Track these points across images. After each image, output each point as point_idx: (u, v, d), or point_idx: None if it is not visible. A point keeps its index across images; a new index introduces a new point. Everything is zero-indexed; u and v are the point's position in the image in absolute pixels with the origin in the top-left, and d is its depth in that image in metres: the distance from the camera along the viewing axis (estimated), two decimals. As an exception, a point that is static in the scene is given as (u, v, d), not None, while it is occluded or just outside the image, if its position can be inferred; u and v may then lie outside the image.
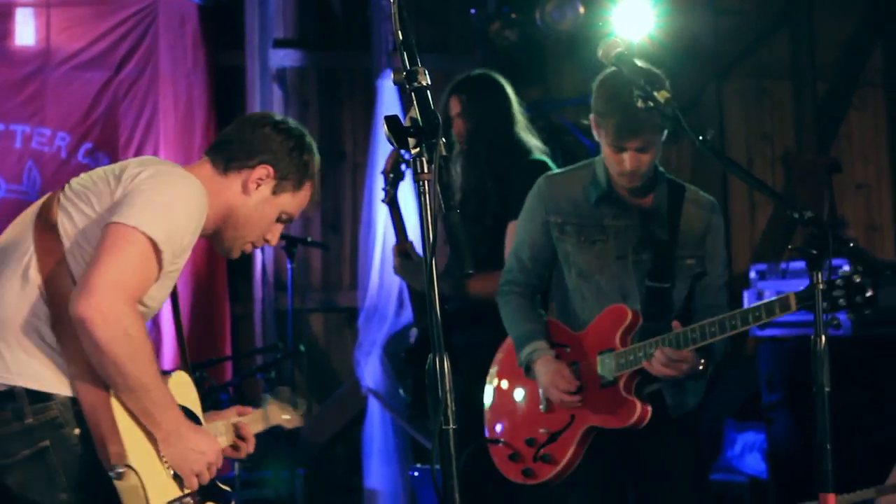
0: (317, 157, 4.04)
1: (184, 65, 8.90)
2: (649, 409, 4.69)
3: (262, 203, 3.92)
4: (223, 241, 3.96)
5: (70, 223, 3.66)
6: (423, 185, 3.04)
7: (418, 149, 3.06)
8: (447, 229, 3.01)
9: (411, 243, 6.27)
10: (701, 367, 4.61)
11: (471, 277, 5.87)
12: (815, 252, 3.93)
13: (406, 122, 3.10)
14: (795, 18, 9.69)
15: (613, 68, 4.50)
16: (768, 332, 8.11)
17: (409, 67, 3.16)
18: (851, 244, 4.00)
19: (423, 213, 3.04)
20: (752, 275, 7.98)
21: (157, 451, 3.61)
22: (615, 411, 4.73)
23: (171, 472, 3.64)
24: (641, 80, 4.28)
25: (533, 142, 6.01)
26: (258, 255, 8.96)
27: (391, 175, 6.31)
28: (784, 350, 7.83)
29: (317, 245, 8.00)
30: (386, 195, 6.32)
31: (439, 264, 6.24)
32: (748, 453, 8.33)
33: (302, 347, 7.73)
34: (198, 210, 3.67)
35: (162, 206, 3.56)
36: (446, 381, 3.04)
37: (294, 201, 3.98)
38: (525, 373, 4.95)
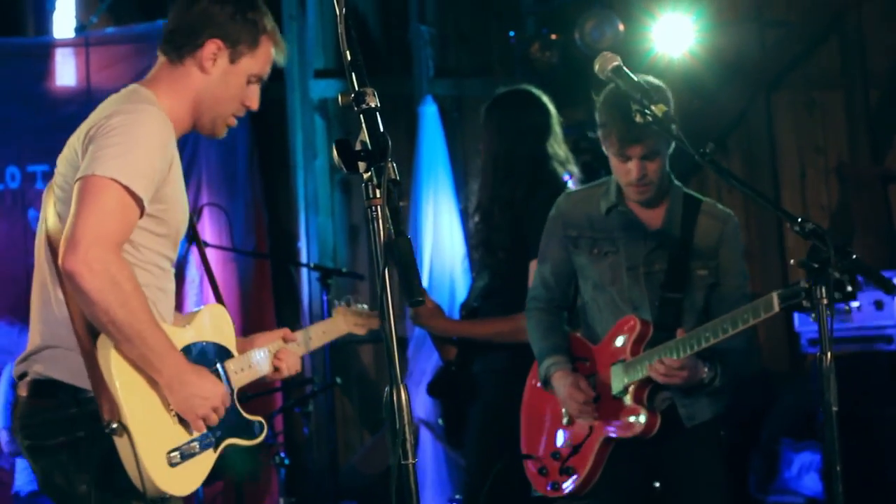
0: (263, 10, 3.96)
1: (224, 99, 8.87)
2: (658, 418, 4.74)
3: (224, 75, 3.89)
4: (204, 126, 3.97)
5: (64, 210, 3.69)
6: (374, 210, 2.95)
7: (368, 173, 2.95)
8: (396, 255, 2.88)
9: (424, 289, 6.16)
10: (704, 376, 4.66)
11: (477, 322, 5.78)
12: (816, 265, 3.84)
13: (357, 146, 2.99)
14: (844, 26, 9.46)
15: (612, 86, 4.53)
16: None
17: (356, 88, 3.03)
18: (854, 256, 3.86)
19: (373, 240, 2.93)
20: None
21: (163, 398, 3.64)
22: (626, 421, 4.79)
23: (178, 418, 3.67)
24: (638, 93, 4.23)
25: (557, 166, 5.82)
26: (304, 287, 8.92)
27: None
28: (837, 365, 7.61)
29: (353, 276, 7.92)
30: None
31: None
32: (805, 474, 8.12)
33: (338, 380, 7.63)
34: (156, 135, 3.66)
35: (121, 149, 3.55)
36: (404, 415, 2.94)
37: (256, 61, 3.93)
38: (544, 386, 5.01)
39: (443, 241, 8.71)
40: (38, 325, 3.76)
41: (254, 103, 4.01)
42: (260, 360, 4.08)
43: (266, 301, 9.03)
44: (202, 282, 8.83)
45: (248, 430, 3.94)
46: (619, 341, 4.82)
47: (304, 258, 9.00)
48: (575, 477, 4.87)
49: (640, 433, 4.72)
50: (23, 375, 3.73)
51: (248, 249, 8.87)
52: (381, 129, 2.99)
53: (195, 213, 8.42)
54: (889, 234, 9.23)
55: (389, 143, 2.95)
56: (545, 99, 5.95)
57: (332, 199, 9.23)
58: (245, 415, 3.93)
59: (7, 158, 8.60)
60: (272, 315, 9.03)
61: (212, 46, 3.86)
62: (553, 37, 8.86)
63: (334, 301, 4.70)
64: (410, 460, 2.95)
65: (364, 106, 3.02)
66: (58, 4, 9.17)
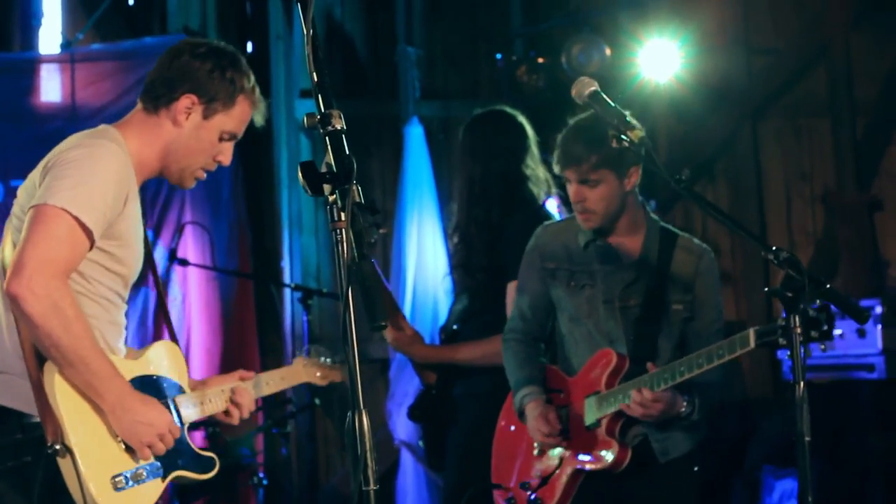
0: (244, 70, 4.02)
1: (209, 117, 8.86)
2: (628, 451, 4.72)
3: (196, 130, 3.94)
4: (172, 175, 4.01)
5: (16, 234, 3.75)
6: (338, 233, 2.93)
7: (333, 195, 2.93)
8: (359, 278, 2.86)
9: (403, 315, 6.16)
10: (683, 409, 4.63)
11: (459, 346, 5.75)
12: (790, 294, 3.82)
13: (322, 168, 2.97)
14: (831, 54, 9.46)
15: (590, 111, 4.46)
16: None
17: (322, 110, 3.02)
18: (828, 286, 3.85)
19: (338, 262, 2.92)
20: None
21: (109, 425, 3.68)
22: (597, 453, 4.76)
23: (124, 445, 3.70)
24: (615, 118, 4.24)
25: (535, 188, 5.79)
26: (287, 307, 8.91)
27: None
28: (817, 394, 7.61)
29: (334, 296, 7.88)
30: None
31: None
32: (787, 501, 8.09)
33: (317, 401, 7.61)
34: (112, 171, 3.71)
35: (75, 181, 3.63)
36: (366, 441, 2.92)
37: (230, 119, 3.99)
38: (519, 417, 4.98)
39: (426, 262, 8.69)
40: None
41: (225, 159, 4.07)
42: (212, 397, 4.10)
43: (248, 320, 9.01)
44: (185, 300, 8.80)
45: (198, 464, 3.96)
46: (595, 374, 4.79)
47: (287, 278, 8.98)
48: None
49: (609, 466, 4.69)
50: None
51: (230, 268, 8.83)
52: (347, 152, 2.98)
53: (178, 231, 8.42)
54: (875, 262, 9.21)
55: (354, 165, 2.94)
56: (521, 119, 5.92)
57: (317, 219, 9.21)
58: (196, 450, 3.96)
59: (-9, 173, 8.58)
60: (254, 334, 9.01)
61: (186, 101, 3.93)
62: (540, 60, 8.89)
63: (296, 350, 4.68)
64: (371, 487, 2.89)
65: (330, 128, 3.02)
66: (44, 20, 9.16)
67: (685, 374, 4.44)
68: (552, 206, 5.93)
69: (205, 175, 4.07)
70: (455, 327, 5.96)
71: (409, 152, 8.98)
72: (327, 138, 3.01)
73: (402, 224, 8.81)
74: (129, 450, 3.70)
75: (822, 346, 3.95)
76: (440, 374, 5.93)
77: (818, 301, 3.92)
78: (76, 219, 3.59)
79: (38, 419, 3.61)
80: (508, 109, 6.01)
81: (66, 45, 8.95)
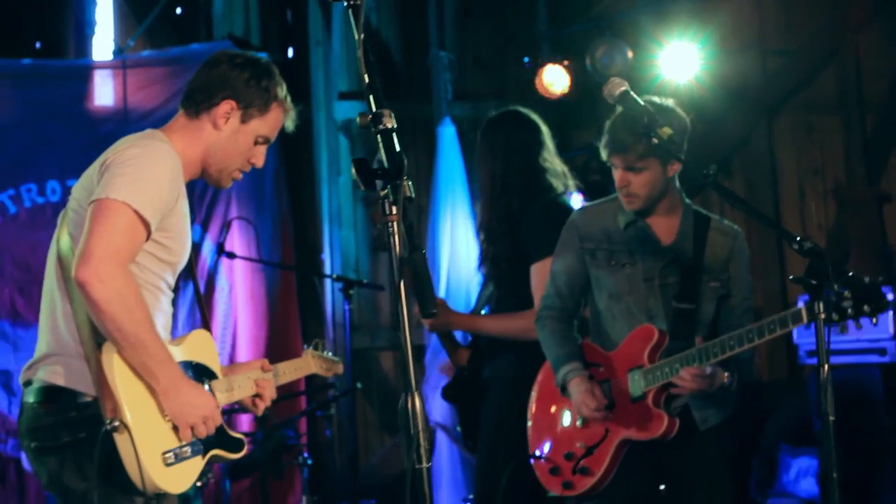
0: (278, 80, 4.10)
1: (253, 118, 8.87)
2: (676, 421, 4.74)
3: (234, 134, 4.04)
4: (211, 176, 4.10)
5: (76, 232, 3.83)
6: (391, 226, 2.97)
7: (385, 190, 2.94)
8: (412, 270, 2.87)
9: (441, 300, 6.18)
10: (725, 381, 4.66)
11: (486, 316, 5.78)
12: (814, 282, 3.82)
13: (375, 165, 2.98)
14: (842, 55, 9.43)
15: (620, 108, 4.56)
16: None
17: (374, 110, 3.03)
18: (850, 273, 3.84)
19: (391, 255, 2.93)
20: (801, 303, 7.73)
21: (159, 405, 3.74)
22: (645, 424, 4.77)
23: (171, 424, 3.77)
24: (644, 117, 4.33)
25: (554, 180, 5.80)
26: (328, 297, 8.93)
27: (378, 222, 6.17)
28: (833, 377, 7.59)
29: (373, 287, 7.91)
30: (378, 243, 6.21)
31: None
32: (802, 478, 8.09)
33: (359, 385, 7.62)
34: (166, 169, 3.82)
35: (134, 177, 3.72)
36: (419, 421, 2.93)
37: (265, 124, 4.09)
38: (561, 392, 5.00)
39: (459, 254, 8.68)
40: (45, 335, 3.88)
41: (259, 162, 4.15)
42: (241, 384, 4.17)
43: (291, 310, 9.03)
44: (231, 290, 8.83)
45: (231, 445, 4.03)
46: (636, 348, 4.81)
47: (327, 270, 8.99)
48: (590, 477, 4.87)
49: (660, 435, 4.72)
50: (28, 383, 3.86)
51: (274, 261, 8.86)
52: (398, 149, 3.01)
53: (225, 226, 8.44)
54: (883, 252, 9.19)
55: (405, 162, 2.96)
56: (534, 116, 5.94)
57: (355, 214, 9.23)
58: (229, 431, 4.02)
59: (49, 174, 8.59)
60: (297, 323, 9.02)
61: (226, 106, 4.00)
62: (566, 62, 8.84)
63: (304, 344, 4.82)
64: (424, 464, 2.90)
65: (381, 127, 3.03)
66: (97, 29, 9.18)
67: (735, 347, 4.47)
68: (576, 200, 5.94)
69: (241, 176, 4.16)
70: (483, 313, 5.98)
71: (441, 151, 8.97)
72: (379, 136, 3.02)
73: (435, 220, 8.80)
74: (175, 429, 3.76)
75: (858, 325, 3.95)
76: (471, 357, 5.95)
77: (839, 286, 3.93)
78: (136, 212, 3.67)
79: (91, 398, 3.69)
80: (522, 109, 6.02)
81: (118, 52, 8.98)
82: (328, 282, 8.91)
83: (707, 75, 8.68)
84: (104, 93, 8.72)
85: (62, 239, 3.86)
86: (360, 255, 9.21)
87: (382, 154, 2.98)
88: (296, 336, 8.96)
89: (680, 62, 8.55)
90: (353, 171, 2.99)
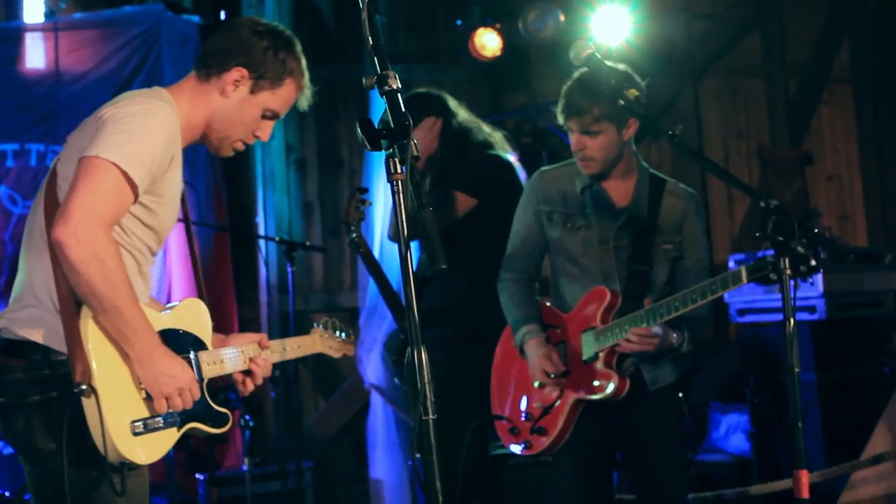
0: (297, 55, 3.99)
1: (186, 80, 8.83)
2: (627, 381, 4.81)
3: (242, 103, 3.93)
4: (211, 143, 3.99)
5: (64, 181, 3.71)
6: (397, 184, 3.01)
7: (391, 150, 3.00)
8: (419, 226, 2.94)
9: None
10: (674, 341, 4.74)
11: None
12: (781, 238, 3.94)
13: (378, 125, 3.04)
14: (766, 20, 9.62)
15: (584, 69, 4.61)
16: (748, 318, 8.07)
17: (379, 72, 3.07)
18: (815, 230, 3.96)
19: (398, 212, 2.98)
20: (732, 264, 7.92)
21: (134, 373, 3.62)
22: (597, 385, 4.83)
23: (145, 393, 3.63)
24: (611, 79, 4.41)
25: (481, 136, 6.05)
26: (262, 260, 8.94)
27: (352, 222, 6.18)
28: (763, 334, 7.79)
29: (315, 249, 7.91)
30: (352, 243, 6.23)
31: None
32: (732, 434, 8.27)
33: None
34: (162, 131, 3.68)
35: (126, 136, 3.59)
36: (425, 374, 2.99)
37: (275, 98, 3.97)
38: (520, 353, 5.05)
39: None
40: (22, 283, 3.74)
41: (264, 136, 4.03)
42: (232, 357, 4.02)
43: (225, 274, 8.99)
44: (165, 254, 8.78)
45: (214, 419, 3.89)
46: (590, 310, 4.87)
47: (261, 232, 9.00)
48: (546, 437, 4.93)
49: (610, 395, 4.78)
50: None
51: (209, 223, 8.83)
52: (403, 110, 3.04)
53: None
54: (806, 212, 9.42)
55: (411, 122, 3.01)
56: (437, 92, 6.17)
57: (288, 177, 9.24)
58: (213, 405, 3.88)
59: (-21, 138, 8.53)
60: (231, 286, 8.99)
61: (236, 73, 3.90)
62: (497, 25, 8.91)
63: (314, 323, 4.67)
64: (431, 416, 2.97)
65: (386, 88, 3.08)
66: (28, -9, 9.07)
67: (680, 308, 4.51)
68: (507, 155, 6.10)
69: (243, 147, 4.04)
70: (426, 274, 6.07)
71: (374, 114, 8.99)
72: (385, 97, 3.06)
73: (369, 181, 8.84)
74: (150, 398, 3.64)
75: (810, 280, 4.05)
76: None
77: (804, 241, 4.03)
78: (124, 173, 3.53)
79: (65, 357, 3.54)
80: (423, 90, 6.17)
81: (49, 15, 8.87)
82: (262, 244, 8.91)
83: (637, 39, 8.78)
84: (35, 55, 8.61)
85: (52, 187, 3.73)
86: (293, 218, 9.23)
87: (388, 114, 3.03)
88: (230, 299, 8.94)
89: (611, 25, 8.62)
90: (358, 131, 3.04)
